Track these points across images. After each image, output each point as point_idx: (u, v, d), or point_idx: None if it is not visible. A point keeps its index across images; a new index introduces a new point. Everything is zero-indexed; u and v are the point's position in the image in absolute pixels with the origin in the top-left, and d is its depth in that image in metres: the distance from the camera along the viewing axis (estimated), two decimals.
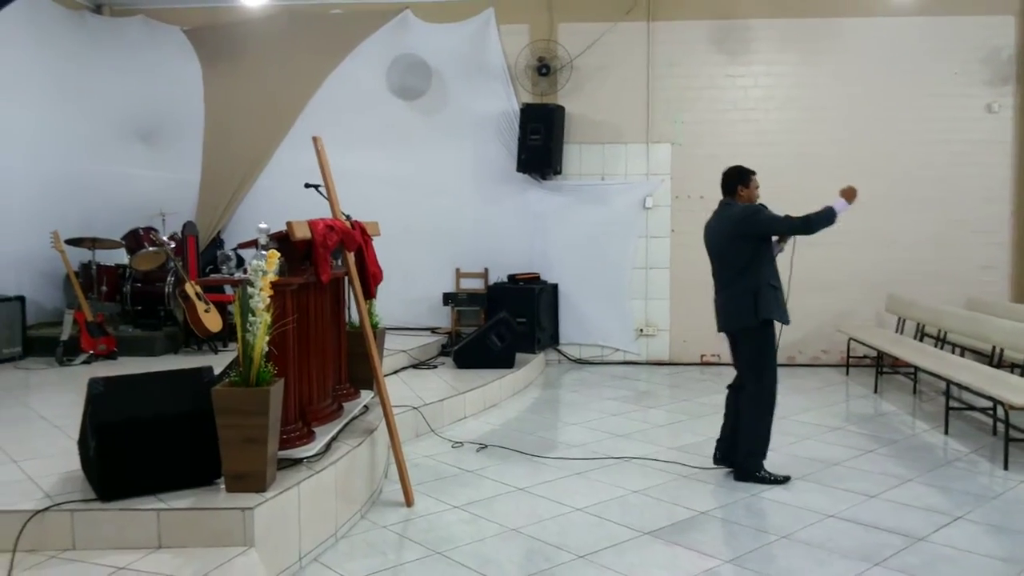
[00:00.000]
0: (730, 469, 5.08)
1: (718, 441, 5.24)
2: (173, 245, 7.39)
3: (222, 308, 7.20)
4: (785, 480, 4.92)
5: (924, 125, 8.83)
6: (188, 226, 8.08)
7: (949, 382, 6.14)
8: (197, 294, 6.93)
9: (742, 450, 4.99)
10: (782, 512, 4.41)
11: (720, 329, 5.14)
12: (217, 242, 8.89)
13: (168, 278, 7.51)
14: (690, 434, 6.06)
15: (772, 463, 5.06)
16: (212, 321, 6.96)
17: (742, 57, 9.00)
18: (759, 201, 5.07)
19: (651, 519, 4.29)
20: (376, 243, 5.07)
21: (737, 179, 5.08)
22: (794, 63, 8.98)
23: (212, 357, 7.02)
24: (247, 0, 7.70)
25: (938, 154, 8.84)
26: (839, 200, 4.86)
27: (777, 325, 4.91)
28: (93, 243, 7.39)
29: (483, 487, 4.79)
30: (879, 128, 8.88)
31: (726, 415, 5.19)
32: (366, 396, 4.98)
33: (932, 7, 8.68)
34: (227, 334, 7.31)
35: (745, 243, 4.88)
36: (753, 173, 5.11)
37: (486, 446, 5.65)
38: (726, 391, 5.23)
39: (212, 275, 7.45)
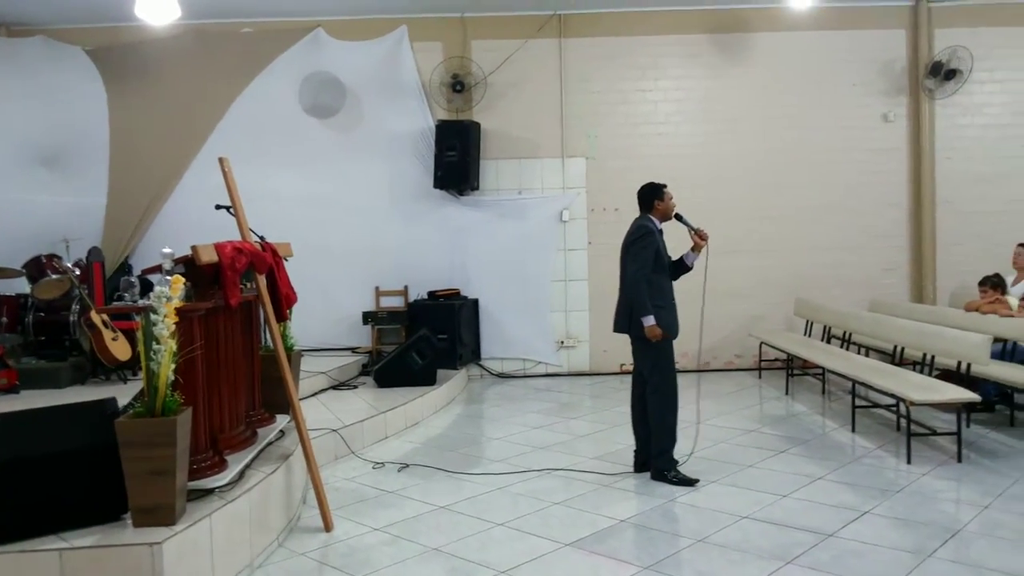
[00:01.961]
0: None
1: (636, 452, 5.36)
2: (78, 272, 7.13)
3: (131, 335, 6.95)
4: (694, 483, 5.05)
5: (826, 134, 9.22)
6: (93, 252, 7.79)
7: (855, 381, 6.39)
8: (104, 322, 6.68)
9: (654, 450, 5.16)
10: (698, 516, 4.51)
11: (614, 330, 5.36)
12: (125, 268, 8.61)
13: (73, 306, 7.23)
14: (611, 443, 6.15)
15: (687, 467, 5.20)
16: (120, 349, 6.71)
17: (651, 72, 9.23)
18: (675, 211, 5.31)
19: (572, 530, 4.33)
20: (293, 263, 5.01)
21: (652, 194, 5.32)
22: (701, 77, 9.26)
23: (121, 387, 6.78)
24: (151, 19, 7.50)
25: (840, 162, 9.23)
26: (650, 319, 5.02)
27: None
28: None
29: (404, 507, 4.76)
30: (784, 138, 9.22)
31: (634, 423, 5.37)
32: (282, 421, 4.88)
33: (830, 22, 9.08)
34: (136, 362, 7.06)
35: (633, 255, 5.16)
36: (664, 187, 5.32)
37: (408, 465, 5.60)
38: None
39: (116, 303, 7.20)
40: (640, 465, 5.33)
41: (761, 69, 9.22)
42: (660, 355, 5.16)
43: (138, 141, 8.87)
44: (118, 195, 8.87)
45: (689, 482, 5.06)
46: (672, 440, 5.17)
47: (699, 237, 5.28)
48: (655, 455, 5.17)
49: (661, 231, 5.28)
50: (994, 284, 7.17)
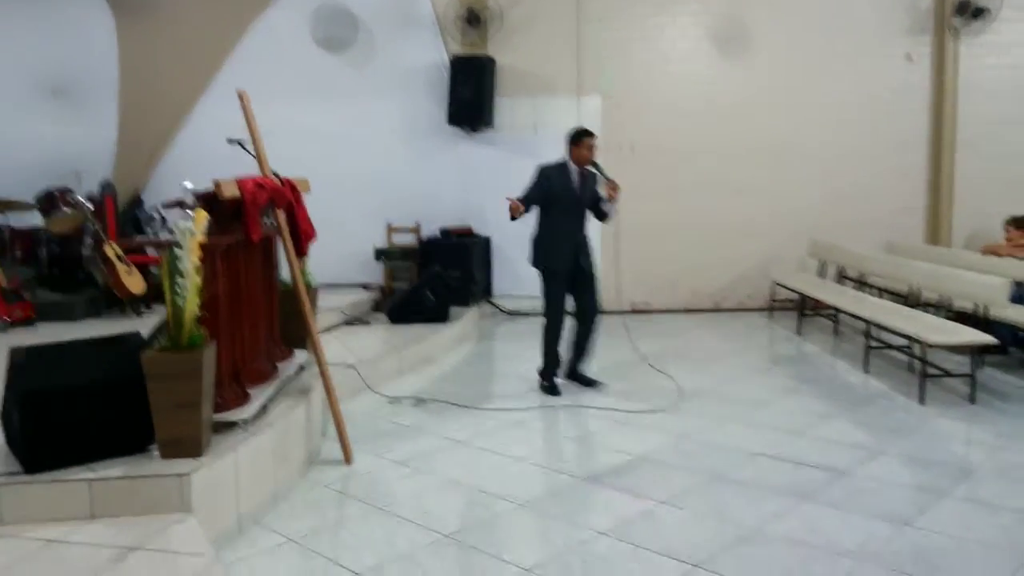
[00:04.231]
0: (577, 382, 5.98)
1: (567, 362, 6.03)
2: (91, 206, 7.11)
3: (144, 269, 6.97)
4: (556, 394, 5.68)
5: (846, 74, 9.01)
6: (106, 186, 7.75)
7: (869, 322, 6.39)
8: (118, 256, 6.69)
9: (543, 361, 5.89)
10: (714, 453, 4.55)
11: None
12: (137, 202, 8.57)
13: (86, 240, 7.22)
14: (622, 382, 6.16)
15: (698, 405, 5.28)
16: (134, 283, 6.73)
17: (670, 8, 9.01)
18: (597, 159, 5.73)
19: (588, 464, 4.39)
20: (306, 199, 4.97)
21: (568, 139, 5.73)
22: (719, 14, 9.02)
23: (136, 320, 6.82)
24: None
25: (859, 103, 9.04)
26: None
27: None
28: (5, 206, 7.04)
29: (422, 441, 4.82)
30: (803, 78, 9.03)
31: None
32: (301, 356, 4.91)
33: None
34: (151, 296, 7.09)
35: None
36: (585, 136, 5.68)
37: (424, 400, 5.66)
38: None
39: (137, 236, 7.19)
40: (568, 373, 6.01)
41: (782, 5, 8.98)
42: (546, 287, 5.76)
43: (148, 73, 8.74)
44: (129, 128, 8.79)
45: (553, 392, 5.72)
46: (552, 361, 5.85)
47: (610, 188, 5.63)
48: (541, 365, 5.89)
49: (582, 174, 5.69)
50: (1017, 223, 7.08)
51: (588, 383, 5.95)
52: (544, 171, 5.66)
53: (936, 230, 9.17)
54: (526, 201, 5.55)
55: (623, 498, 3.95)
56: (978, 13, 8.58)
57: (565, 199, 5.63)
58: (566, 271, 5.70)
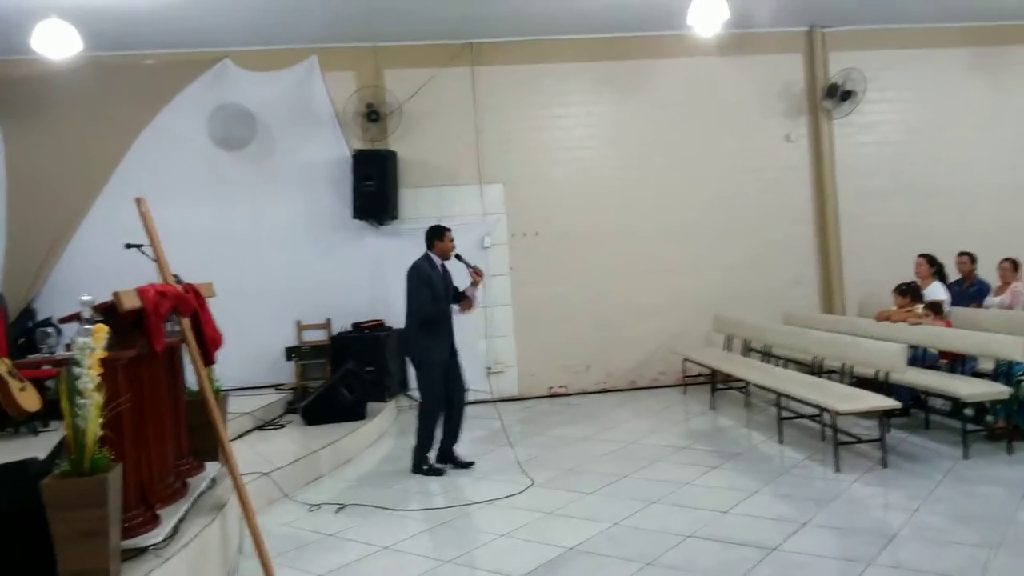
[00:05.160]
0: (453, 466, 6.23)
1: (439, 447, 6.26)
2: None
3: (40, 384, 6.56)
4: (441, 473, 6.01)
5: (732, 156, 9.53)
6: None
7: (779, 394, 6.56)
8: (9, 372, 6.28)
9: (414, 448, 6.13)
10: (644, 538, 4.52)
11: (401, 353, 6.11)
12: (28, 313, 8.13)
13: None
14: (547, 469, 6.11)
15: (625, 488, 5.24)
16: (29, 400, 6.32)
17: (562, 99, 9.38)
18: (455, 252, 6.15)
19: (520, 562, 4.27)
20: (211, 302, 4.82)
21: (432, 235, 6.17)
22: (610, 103, 9.46)
23: (33, 439, 6.38)
24: (49, 52, 7.18)
25: (747, 182, 9.54)
26: (455, 307, 6.03)
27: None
28: None
29: (347, 551, 4.60)
30: (693, 160, 9.49)
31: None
32: (212, 468, 4.68)
33: (731, 48, 9.39)
34: (46, 413, 6.65)
35: (409, 291, 5.96)
36: (447, 231, 6.19)
37: (345, 506, 5.43)
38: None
39: (29, 356, 6.80)
40: (441, 457, 6.24)
41: (667, 94, 9.47)
42: (425, 380, 6.02)
43: (38, 179, 8.43)
44: (18, 235, 8.40)
45: (438, 472, 6.02)
46: (428, 447, 6.11)
47: (475, 275, 6.07)
48: (413, 451, 6.12)
49: (443, 267, 6.10)
50: (903, 292, 7.47)
51: (463, 465, 6.24)
52: (419, 268, 6.00)
53: (829, 299, 9.62)
54: (424, 299, 5.93)
55: None
56: (846, 96, 9.25)
57: (438, 291, 5.97)
58: (444, 361, 6.03)
